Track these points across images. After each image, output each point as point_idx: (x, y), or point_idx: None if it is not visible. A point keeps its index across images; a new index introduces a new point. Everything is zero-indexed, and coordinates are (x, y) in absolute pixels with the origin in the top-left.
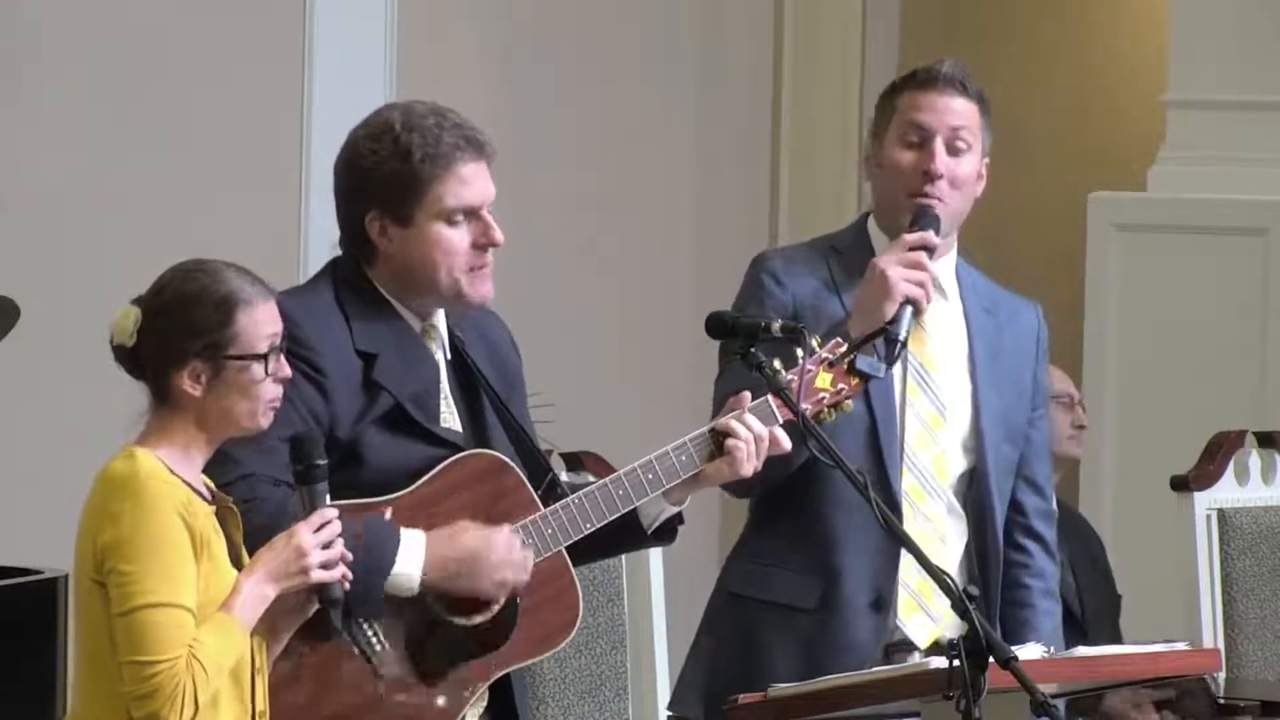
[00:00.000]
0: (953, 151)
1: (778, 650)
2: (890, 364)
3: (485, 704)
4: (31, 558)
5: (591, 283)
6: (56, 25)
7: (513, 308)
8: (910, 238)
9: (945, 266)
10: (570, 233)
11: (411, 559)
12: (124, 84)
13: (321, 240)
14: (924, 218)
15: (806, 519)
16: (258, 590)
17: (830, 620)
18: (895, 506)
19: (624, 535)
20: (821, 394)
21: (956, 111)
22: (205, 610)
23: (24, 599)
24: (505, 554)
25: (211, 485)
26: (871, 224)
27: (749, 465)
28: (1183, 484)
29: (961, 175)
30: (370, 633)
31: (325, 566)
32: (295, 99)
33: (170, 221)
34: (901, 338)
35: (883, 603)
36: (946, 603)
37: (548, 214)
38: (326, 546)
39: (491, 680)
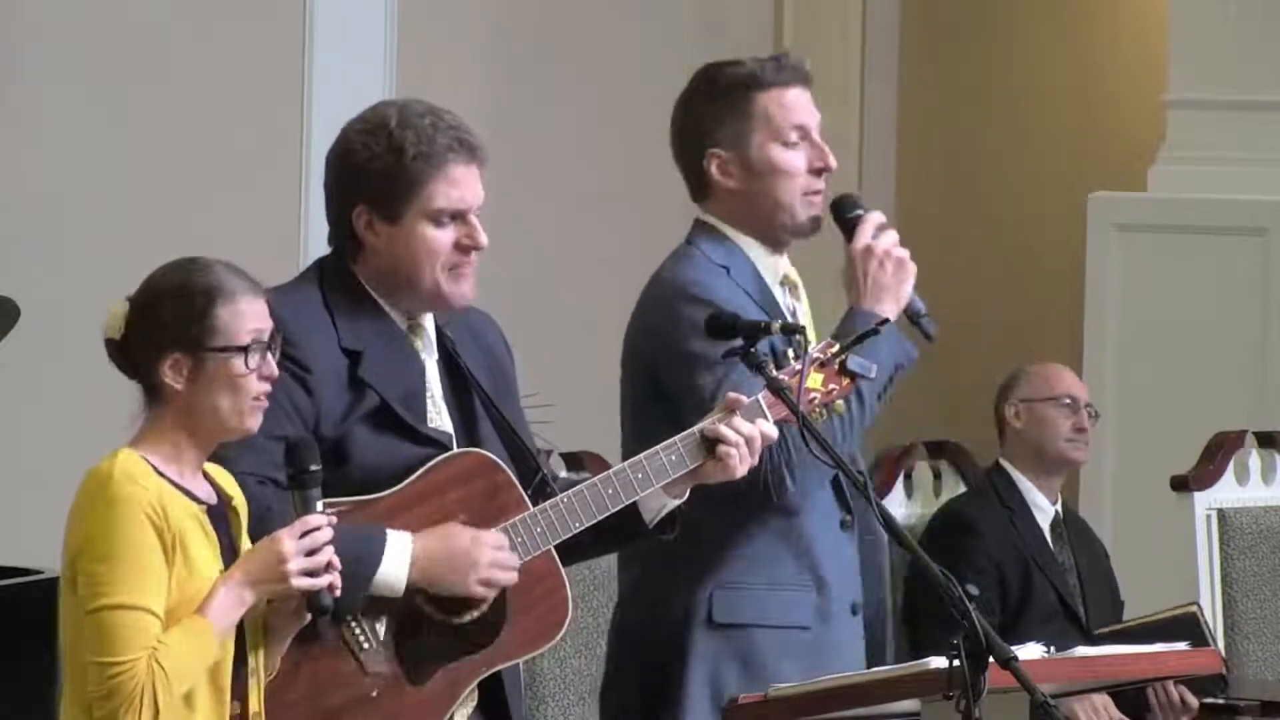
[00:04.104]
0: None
1: (781, 671)
2: (931, 338)
3: (475, 702)
4: (31, 558)
5: (591, 282)
6: (56, 25)
7: (512, 307)
8: (876, 217)
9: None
10: (570, 232)
11: (398, 560)
12: (124, 84)
13: (321, 240)
14: (849, 202)
15: (781, 534)
16: (234, 593)
17: (823, 631)
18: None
19: (626, 529)
20: (812, 394)
21: (813, 105)
22: (180, 611)
23: (24, 599)
24: (491, 555)
25: (220, 485)
26: (728, 230)
27: (742, 468)
28: (1183, 484)
29: (832, 164)
30: (358, 631)
31: (311, 574)
32: (295, 99)
33: (170, 221)
34: (925, 311)
35: (857, 605)
36: None
37: (547, 213)
38: (312, 553)
39: (481, 678)
